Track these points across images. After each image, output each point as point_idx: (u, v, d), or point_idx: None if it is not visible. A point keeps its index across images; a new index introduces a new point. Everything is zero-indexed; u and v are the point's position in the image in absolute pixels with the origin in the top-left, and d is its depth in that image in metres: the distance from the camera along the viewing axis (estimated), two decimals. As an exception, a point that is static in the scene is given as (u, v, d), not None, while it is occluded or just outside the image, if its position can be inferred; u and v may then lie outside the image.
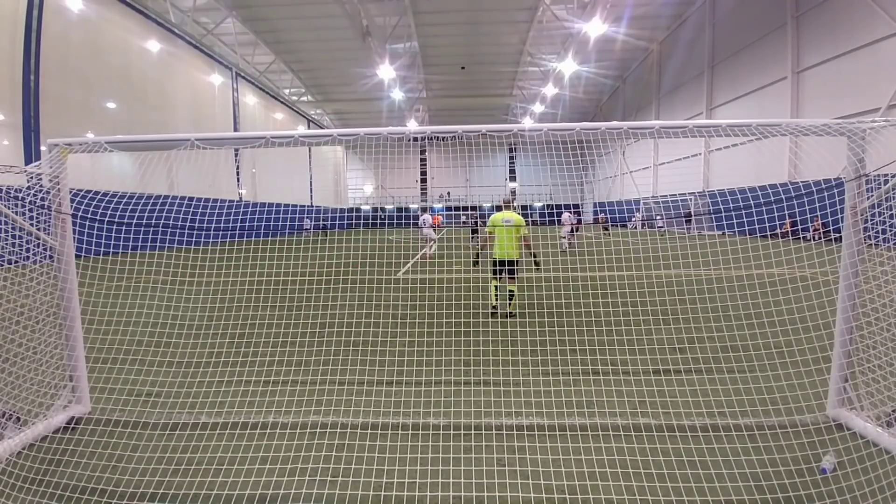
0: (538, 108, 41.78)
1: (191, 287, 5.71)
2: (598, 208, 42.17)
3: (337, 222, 41.65)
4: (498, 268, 6.50)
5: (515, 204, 7.50)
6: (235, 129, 29.15)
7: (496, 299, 6.61)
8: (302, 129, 34.89)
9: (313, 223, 30.86)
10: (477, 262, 7.17)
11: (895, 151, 2.89)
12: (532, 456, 2.81)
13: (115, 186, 6.76)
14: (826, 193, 3.37)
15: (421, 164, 55.72)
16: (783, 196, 3.65)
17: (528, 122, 16.74)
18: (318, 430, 3.10)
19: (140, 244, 4.15)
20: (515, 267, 6.51)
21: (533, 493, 2.45)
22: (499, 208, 7.02)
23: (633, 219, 34.27)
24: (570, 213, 18.20)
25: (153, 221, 4.73)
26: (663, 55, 34.05)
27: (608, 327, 4.84)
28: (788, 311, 3.54)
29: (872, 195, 2.92)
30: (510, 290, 6.49)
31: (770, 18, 22.23)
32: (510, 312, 6.51)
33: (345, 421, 3.27)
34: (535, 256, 6.69)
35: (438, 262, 13.08)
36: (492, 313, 6.57)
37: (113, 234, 3.84)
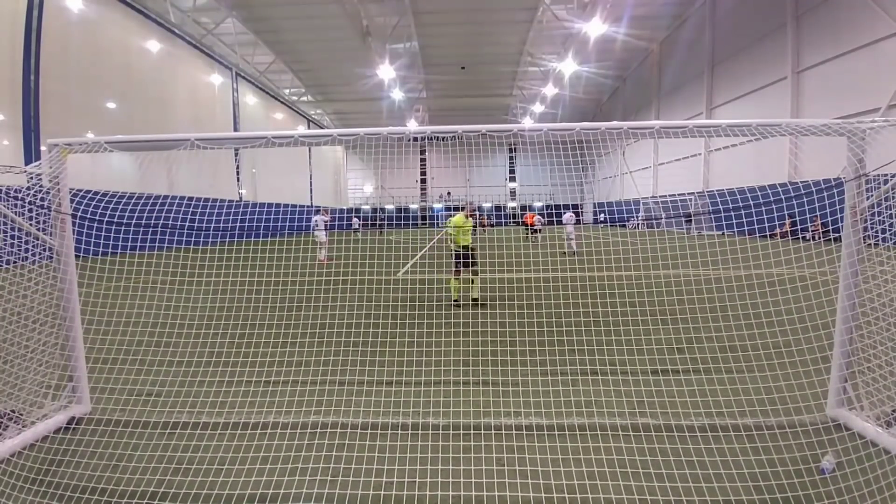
0: (538, 108, 41.76)
1: (191, 287, 5.71)
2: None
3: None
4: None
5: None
6: (235, 129, 29.15)
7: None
8: (302, 129, 34.93)
9: (360, 222, 31.45)
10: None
11: (895, 151, 2.89)
12: (532, 456, 2.80)
13: (115, 186, 6.76)
14: (826, 193, 3.37)
15: (421, 164, 55.69)
16: (783, 196, 3.65)
17: (528, 122, 16.82)
18: (318, 430, 3.10)
19: (140, 244, 4.15)
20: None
21: (533, 493, 2.45)
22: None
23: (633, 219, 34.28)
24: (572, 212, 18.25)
25: (153, 221, 4.73)
26: (663, 55, 34.04)
27: (608, 327, 4.84)
28: (788, 311, 3.53)
29: (872, 195, 2.92)
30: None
31: (770, 18, 22.22)
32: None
33: (345, 421, 3.27)
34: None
35: (438, 262, 13.04)
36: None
37: (112, 234, 3.84)
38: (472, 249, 7.46)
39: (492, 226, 20.10)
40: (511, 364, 4.38)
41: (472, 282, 7.32)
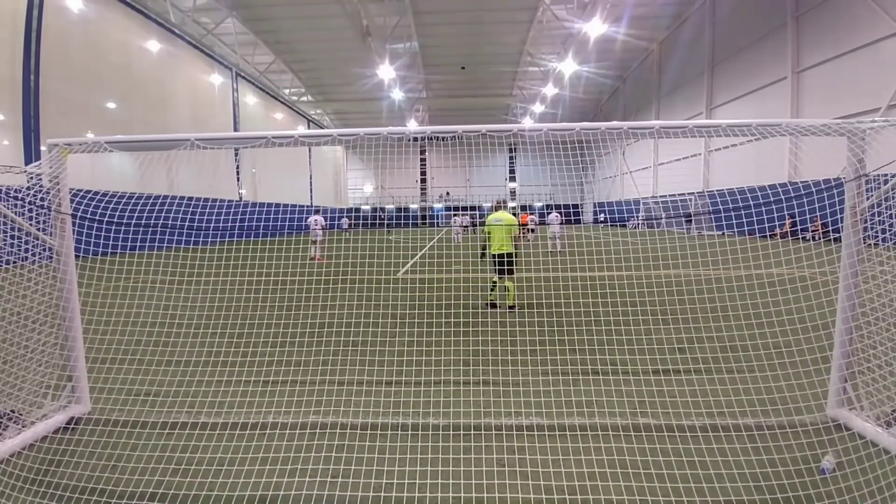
0: (538, 108, 41.76)
1: (190, 287, 5.71)
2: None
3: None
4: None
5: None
6: (235, 129, 29.14)
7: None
8: (302, 129, 34.94)
9: (351, 222, 31.23)
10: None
11: (895, 151, 2.89)
12: (532, 456, 2.80)
13: (115, 186, 6.76)
14: (826, 194, 3.37)
15: (421, 164, 55.69)
16: (783, 196, 3.65)
17: (528, 122, 16.88)
18: (318, 430, 3.09)
19: (140, 244, 4.15)
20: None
21: (533, 493, 2.45)
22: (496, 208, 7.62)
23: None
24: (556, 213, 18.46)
25: (153, 221, 4.73)
26: (663, 55, 34.04)
27: (608, 327, 4.84)
28: (788, 311, 3.53)
29: (872, 195, 2.91)
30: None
31: (770, 18, 22.23)
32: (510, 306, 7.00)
33: (345, 421, 3.27)
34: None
35: (438, 262, 13.04)
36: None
37: (112, 234, 3.84)
38: (510, 256, 7.09)
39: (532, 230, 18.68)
40: (511, 364, 4.38)
41: (508, 290, 7.05)
